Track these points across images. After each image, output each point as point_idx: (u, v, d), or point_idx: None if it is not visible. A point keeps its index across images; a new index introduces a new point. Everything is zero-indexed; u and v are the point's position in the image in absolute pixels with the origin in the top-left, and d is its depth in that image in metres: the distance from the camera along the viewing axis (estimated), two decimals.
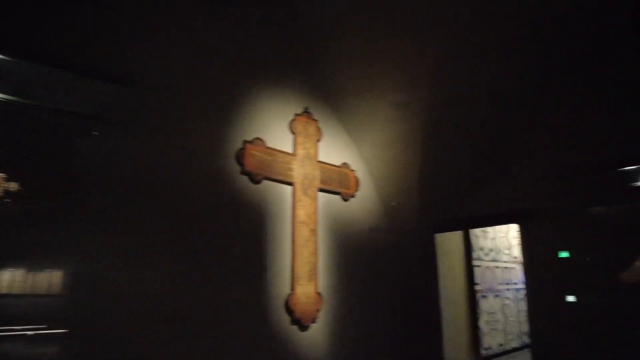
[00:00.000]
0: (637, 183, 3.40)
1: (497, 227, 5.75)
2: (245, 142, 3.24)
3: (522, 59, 3.40)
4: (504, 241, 5.90)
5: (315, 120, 3.86)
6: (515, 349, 5.58)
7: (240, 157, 3.18)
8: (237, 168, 3.18)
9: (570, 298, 3.68)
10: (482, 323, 5.10)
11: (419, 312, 4.20)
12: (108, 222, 2.48)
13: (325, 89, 4.01)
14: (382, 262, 4.18)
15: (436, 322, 4.26)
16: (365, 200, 4.22)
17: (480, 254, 5.37)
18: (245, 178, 3.21)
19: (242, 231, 3.13)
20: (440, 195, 4.26)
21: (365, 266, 4.00)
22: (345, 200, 4.01)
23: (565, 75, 3.57)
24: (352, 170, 4.14)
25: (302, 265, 3.39)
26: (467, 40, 3.23)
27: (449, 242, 4.86)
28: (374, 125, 4.04)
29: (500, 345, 5.38)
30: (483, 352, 5.03)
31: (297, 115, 3.71)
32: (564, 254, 3.83)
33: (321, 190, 3.76)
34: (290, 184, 3.50)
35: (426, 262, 4.39)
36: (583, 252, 3.68)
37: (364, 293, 3.90)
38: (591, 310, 3.55)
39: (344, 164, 4.08)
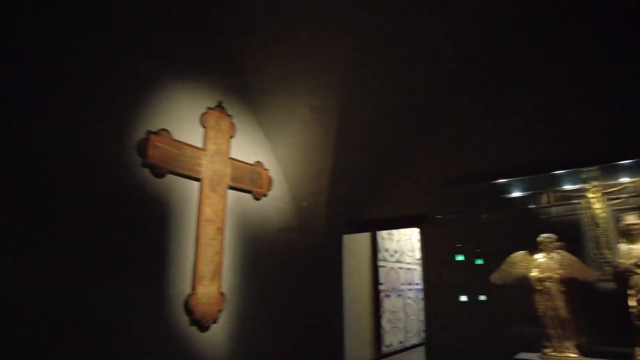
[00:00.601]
0: (508, 195, 3.86)
1: (402, 230, 6.07)
2: (149, 132, 3.03)
3: (430, 68, 3.64)
4: (408, 244, 6.25)
5: (229, 115, 3.75)
6: (414, 346, 5.93)
7: (142, 148, 2.97)
8: (139, 160, 2.97)
9: (463, 298, 4.02)
10: (385, 321, 5.35)
11: (323, 311, 4.29)
12: None
13: (241, 86, 3.92)
14: (290, 261, 4.19)
15: (339, 320, 4.38)
16: (277, 200, 4.21)
17: (386, 255, 5.64)
18: (147, 171, 3.01)
19: (141, 227, 2.93)
20: (350, 198, 4.40)
21: (273, 266, 3.98)
22: (257, 199, 3.96)
23: (463, 89, 3.89)
24: (266, 169, 4.10)
25: (206, 265, 3.27)
26: (377, 48, 3.38)
27: (356, 243, 5.03)
28: (289, 125, 4.04)
29: (401, 342, 5.69)
30: (385, 349, 5.28)
31: (209, 108, 3.57)
32: (459, 257, 4.16)
33: (231, 187, 3.66)
34: (197, 179, 3.36)
35: (333, 262, 4.50)
36: (474, 256, 4.04)
37: (269, 292, 3.88)
38: (478, 309, 3.91)
39: (257, 162, 4.03)
